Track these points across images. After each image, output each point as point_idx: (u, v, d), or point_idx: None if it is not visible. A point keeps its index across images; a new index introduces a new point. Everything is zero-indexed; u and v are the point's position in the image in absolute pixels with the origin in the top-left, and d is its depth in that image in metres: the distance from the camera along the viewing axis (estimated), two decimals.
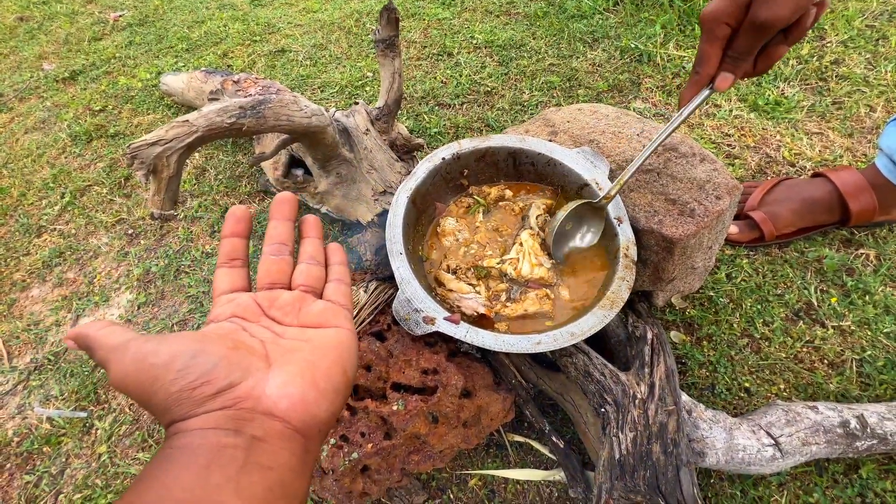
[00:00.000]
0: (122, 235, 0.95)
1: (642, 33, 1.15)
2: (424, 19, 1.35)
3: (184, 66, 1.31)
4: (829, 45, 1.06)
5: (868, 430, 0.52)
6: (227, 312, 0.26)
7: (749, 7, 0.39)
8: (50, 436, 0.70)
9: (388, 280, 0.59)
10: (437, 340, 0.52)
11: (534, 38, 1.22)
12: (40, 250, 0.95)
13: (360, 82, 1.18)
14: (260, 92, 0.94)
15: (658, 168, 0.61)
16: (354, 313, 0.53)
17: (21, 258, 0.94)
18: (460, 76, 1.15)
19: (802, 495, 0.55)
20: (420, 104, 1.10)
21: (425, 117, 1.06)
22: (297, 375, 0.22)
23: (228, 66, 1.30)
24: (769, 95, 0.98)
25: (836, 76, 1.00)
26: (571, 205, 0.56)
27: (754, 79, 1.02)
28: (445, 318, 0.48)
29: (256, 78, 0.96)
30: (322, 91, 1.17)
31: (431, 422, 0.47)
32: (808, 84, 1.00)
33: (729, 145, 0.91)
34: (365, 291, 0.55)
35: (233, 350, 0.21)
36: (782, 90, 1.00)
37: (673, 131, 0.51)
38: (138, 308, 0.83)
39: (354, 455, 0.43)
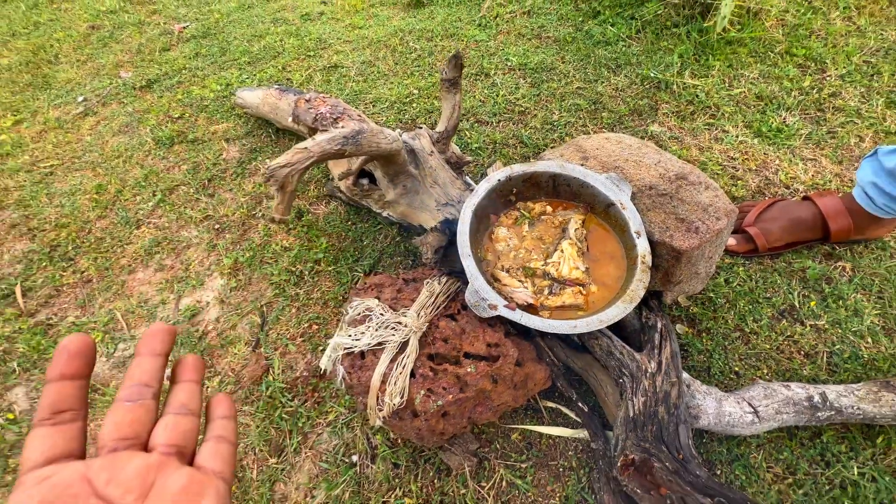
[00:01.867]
0: (210, 230, 1.11)
1: (661, 61, 1.29)
2: (463, 40, 1.49)
3: (248, 79, 1.47)
4: (828, 78, 1.19)
5: (828, 403, 0.67)
6: None
7: None
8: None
9: (453, 275, 0.75)
10: (497, 322, 0.68)
11: (563, 62, 1.37)
12: (140, 240, 1.12)
13: (408, 99, 1.33)
14: (329, 111, 1.09)
15: (671, 192, 0.76)
16: (432, 300, 0.69)
17: (125, 246, 1.12)
18: (497, 96, 1.30)
19: (775, 453, 0.70)
20: (462, 121, 1.25)
21: (467, 133, 1.22)
22: None
23: (288, 79, 1.46)
24: (772, 123, 1.12)
25: (832, 108, 1.13)
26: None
27: (760, 107, 1.16)
28: (505, 306, 0.64)
29: (324, 97, 1.11)
30: (374, 106, 1.33)
31: (493, 382, 0.63)
32: (807, 114, 1.14)
33: (734, 168, 1.06)
34: (439, 283, 0.71)
35: None
36: (784, 118, 1.13)
37: None
38: (230, 291, 1.00)
39: (439, 402, 0.60)
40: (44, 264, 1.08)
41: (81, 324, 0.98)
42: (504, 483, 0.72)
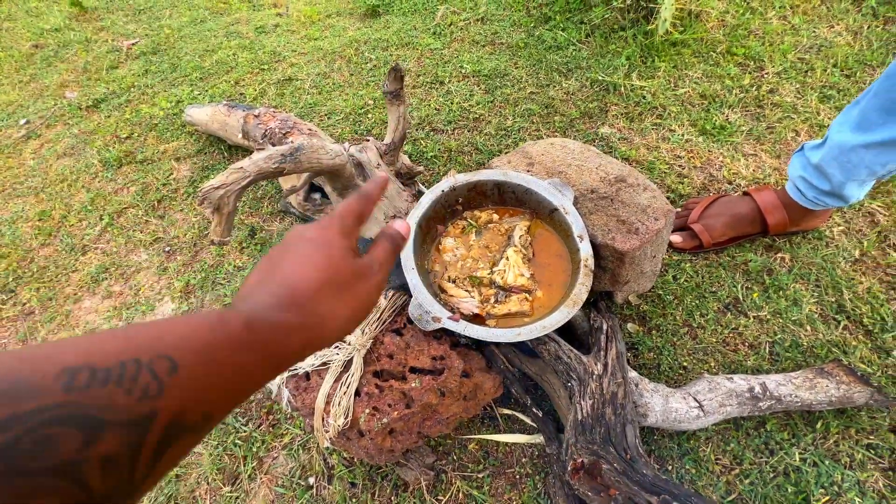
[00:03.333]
0: (160, 252, 1.08)
1: (609, 64, 1.32)
2: (418, 49, 1.50)
3: (199, 95, 1.44)
4: (766, 75, 1.24)
5: (768, 393, 0.70)
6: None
7: None
8: None
9: (401, 288, 0.75)
10: (443, 335, 0.68)
11: (516, 68, 1.38)
12: (87, 266, 1.08)
13: (363, 110, 1.33)
14: (279, 125, 1.08)
15: (612, 195, 0.78)
16: (378, 316, 0.68)
17: (70, 274, 1.07)
18: (451, 104, 1.30)
19: (722, 444, 0.72)
20: (417, 130, 1.25)
21: (422, 142, 1.22)
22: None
23: (241, 94, 1.43)
24: (715, 121, 1.16)
25: (770, 104, 1.18)
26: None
27: (704, 106, 1.20)
28: (448, 318, 0.64)
29: (274, 112, 1.10)
30: (329, 118, 1.32)
31: (440, 395, 0.63)
32: (748, 110, 1.18)
33: (680, 166, 1.09)
34: (385, 298, 0.70)
35: None
36: (727, 116, 1.17)
37: None
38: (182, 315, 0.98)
39: (384, 420, 0.59)
40: None
41: None
42: (461, 495, 0.71)
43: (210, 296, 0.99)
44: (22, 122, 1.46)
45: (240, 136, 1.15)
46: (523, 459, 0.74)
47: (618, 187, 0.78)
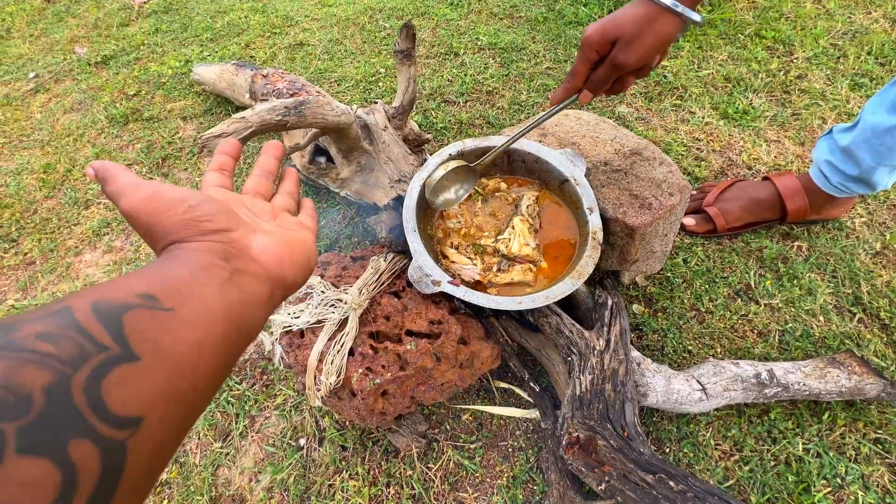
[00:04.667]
0: None
1: None
2: (433, 19, 1.45)
3: (209, 56, 1.42)
4: (796, 60, 1.19)
5: (775, 380, 0.67)
6: (219, 190, 0.30)
7: (613, 46, 0.51)
8: None
9: (402, 253, 0.73)
10: (442, 300, 0.66)
11: (533, 42, 1.34)
12: (89, 221, 1.07)
13: (374, 78, 1.29)
14: (287, 87, 1.06)
15: (626, 168, 0.74)
16: (376, 277, 0.66)
17: (72, 227, 1.07)
18: (465, 76, 1.26)
19: (723, 430, 0.70)
20: (428, 101, 1.22)
21: (433, 113, 1.18)
22: (275, 243, 0.26)
23: (251, 57, 1.41)
24: (739, 105, 1.11)
25: (798, 90, 1.13)
26: (452, 164, 0.67)
27: (727, 89, 1.15)
28: (448, 282, 0.62)
29: (283, 73, 1.07)
30: (339, 85, 1.29)
31: (436, 360, 0.62)
32: (773, 96, 1.13)
33: (698, 149, 1.05)
34: (385, 260, 0.68)
35: (229, 209, 0.25)
36: (751, 101, 1.12)
37: (539, 123, 0.62)
38: None
39: (377, 381, 0.57)
40: None
41: (21, 307, 0.93)
42: (452, 464, 0.70)
43: None
44: (31, 75, 1.45)
45: (247, 96, 1.12)
46: (517, 433, 0.72)
47: (632, 160, 0.75)
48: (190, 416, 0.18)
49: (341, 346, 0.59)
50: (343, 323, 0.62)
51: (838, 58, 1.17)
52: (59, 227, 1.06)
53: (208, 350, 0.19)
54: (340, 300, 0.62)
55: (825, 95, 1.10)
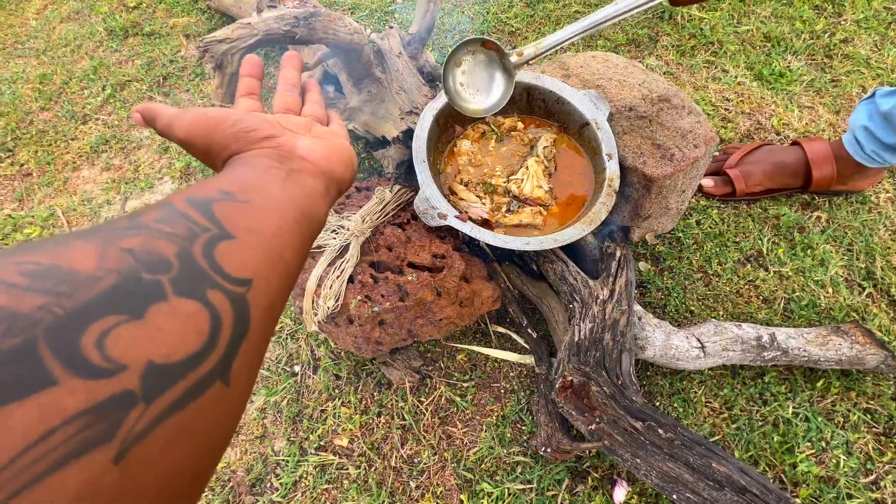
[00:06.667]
0: None
1: None
2: None
3: None
4: (843, 22, 1.10)
5: (775, 343, 0.67)
6: (252, 104, 0.31)
7: None
8: None
9: (408, 186, 0.70)
10: (446, 235, 0.64)
11: None
12: (87, 136, 1.03)
13: (390, 8, 1.21)
14: (297, 4, 0.99)
15: (651, 115, 0.70)
16: (381, 207, 0.64)
17: (69, 141, 1.03)
18: (487, 13, 1.18)
19: (715, 389, 0.70)
20: (446, 36, 1.15)
21: (449, 51, 1.11)
22: (318, 143, 0.27)
23: None
24: (775, 66, 1.05)
25: (841, 54, 1.05)
26: (475, 39, 0.51)
27: (766, 48, 1.08)
28: (455, 216, 0.60)
29: None
30: (352, 13, 1.21)
31: (436, 294, 0.60)
32: (813, 59, 1.06)
33: (726, 109, 0.99)
34: (390, 191, 0.66)
35: (270, 118, 0.27)
36: (789, 63, 1.06)
37: (611, 20, 0.49)
38: None
39: (375, 309, 0.57)
40: None
41: (18, 217, 0.92)
42: (444, 399, 0.71)
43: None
44: None
45: (254, 14, 1.05)
46: (511, 375, 0.73)
47: (659, 107, 0.71)
48: (286, 282, 0.21)
49: (341, 272, 0.58)
50: (344, 250, 0.60)
51: (890, 23, 1.09)
52: (56, 141, 1.03)
53: (286, 234, 0.22)
54: (342, 227, 0.61)
55: (869, 63, 1.03)
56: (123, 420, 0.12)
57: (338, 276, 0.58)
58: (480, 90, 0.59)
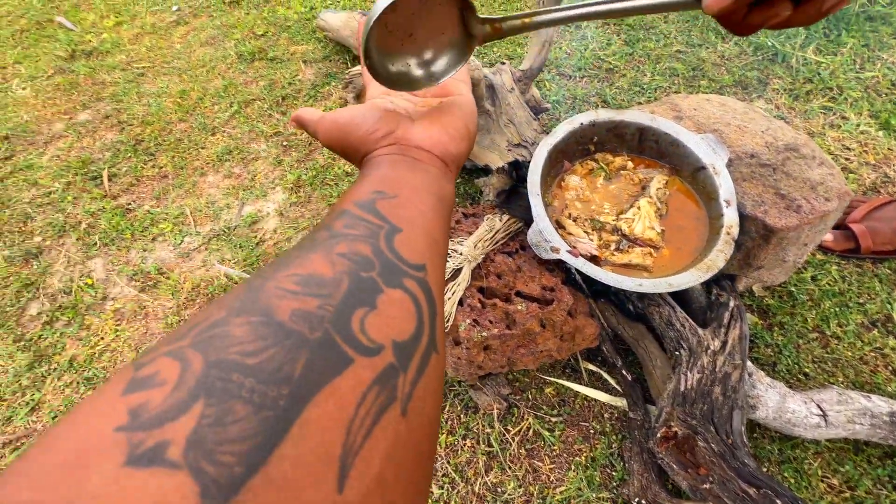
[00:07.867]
0: (278, 145, 1.14)
1: (782, 31, 1.14)
2: None
3: (332, 3, 1.46)
4: None
5: None
6: (378, 91, 0.33)
7: None
8: (227, 286, 0.92)
9: (515, 215, 0.72)
10: (555, 268, 0.65)
11: (665, 22, 1.24)
12: (214, 146, 1.16)
13: (492, 42, 1.27)
14: None
15: (776, 164, 0.68)
16: (491, 235, 0.67)
17: (199, 150, 1.17)
18: (585, 50, 1.20)
19: (834, 464, 0.64)
20: (543, 71, 1.18)
21: (546, 85, 1.15)
22: (430, 128, 0.29)
23: None
24: None
25: None
26: None
27: (893, 96, 1.00)
28: (567, 251, 0.61)
29: None
30: None
31: (541, 326, 0.61)
32: None
33: (847, 159, 0.93)
34: (499, 220, 0.68)
35: (386, 112, 0.29)
36: None
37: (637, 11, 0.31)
38: (290, 206, 1.03)
39: (484, 334, 0.58)
40: (128, 155, 1.16)
41: (155, 213, 1.05)
42: (531, 432, 0.71)
43: (318, 193, 1.03)
44: (174, 8, 1.57)
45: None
46: (603, 416, 0.71)
47: (786, 156, 0.68)
48: (442, 262, 0.24)
49: (452, 294, 0.60)
50: (456, 273, 0.63)
51: None
52: (189, 149, 1.17)
53: (430, 216, 0.24)
54: (456, 250, 0.63)
55: None
56: (396, 385, 0.16)
57: (449, 298, 0.60)
58: (417, 39, 0.34)
